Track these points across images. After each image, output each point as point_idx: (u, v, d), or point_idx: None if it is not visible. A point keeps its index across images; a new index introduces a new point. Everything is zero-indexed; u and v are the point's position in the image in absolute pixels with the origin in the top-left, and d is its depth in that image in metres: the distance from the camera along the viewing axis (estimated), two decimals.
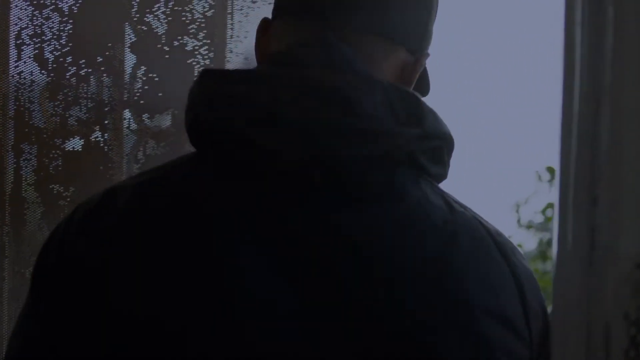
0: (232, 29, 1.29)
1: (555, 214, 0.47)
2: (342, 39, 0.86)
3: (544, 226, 3.28)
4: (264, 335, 0.77)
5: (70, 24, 1.14)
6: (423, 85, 0.99)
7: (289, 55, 0.84)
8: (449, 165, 0.88)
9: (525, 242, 3.29)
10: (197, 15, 1.25)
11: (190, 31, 1.25)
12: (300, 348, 0.77)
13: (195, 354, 0.77)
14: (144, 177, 0.85)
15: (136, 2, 1.20)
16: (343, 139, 0.77)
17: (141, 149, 1.20)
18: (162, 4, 1.22)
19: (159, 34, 1.22)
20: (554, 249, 0.47)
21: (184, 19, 1.25)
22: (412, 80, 0.93)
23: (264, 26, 0.94)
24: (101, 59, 1.17)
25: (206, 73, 0.83)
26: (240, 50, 1.31)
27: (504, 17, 7.87)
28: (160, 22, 1.22)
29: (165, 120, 1.23)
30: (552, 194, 3.19)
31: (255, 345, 0.77)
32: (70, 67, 1.15)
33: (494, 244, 0.84)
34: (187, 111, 0.83)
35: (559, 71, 0.47)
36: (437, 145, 0.84)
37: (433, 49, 0.96)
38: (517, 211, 3.18)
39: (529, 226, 3.27)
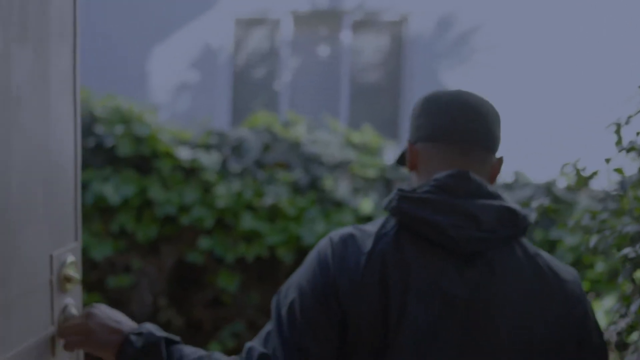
0: None
1: None
2: (469, 157, 1.65)
3: None
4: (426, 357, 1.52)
5: None
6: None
7: (444, 185, 1.61)
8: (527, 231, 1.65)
9: (625, 166, 2.86)
10: None
11: None
12: None
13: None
14: (375, 230, 1.63)
15: None
16: (473, 243, 1.58)
17: None
18: None
19: None
20: None
21: None
22: (497, 174, 1.71)
23: (410, 146, 1.71)
24: None
25: (403, 195, 1.61)
26: None
27: None
28: None
29: None
30: None
31: None
32: None
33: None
34: (397, 212, 1.61)
35: None
36: (525, 227, 1.63)
37: None
38: (618, 132, 2.75)
39: (631, 148, 2.83)
